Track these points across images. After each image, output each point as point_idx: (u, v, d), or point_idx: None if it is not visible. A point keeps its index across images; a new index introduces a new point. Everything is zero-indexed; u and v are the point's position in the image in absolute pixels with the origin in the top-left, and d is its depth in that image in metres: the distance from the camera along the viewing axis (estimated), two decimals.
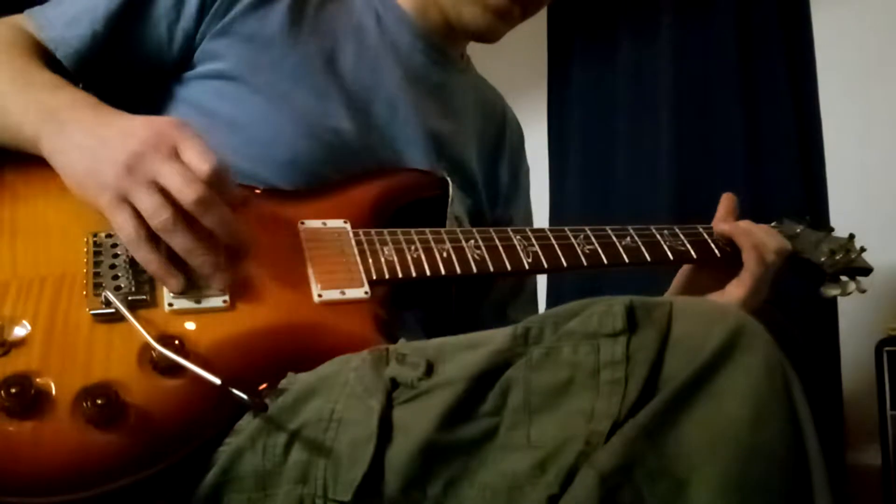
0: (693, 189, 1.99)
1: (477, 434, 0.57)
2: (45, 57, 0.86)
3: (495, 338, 0.60)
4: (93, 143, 0.71)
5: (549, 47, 2.47)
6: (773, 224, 1.04)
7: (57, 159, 0.73)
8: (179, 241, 0.68)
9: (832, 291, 1.03)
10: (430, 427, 0.57)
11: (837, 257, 1.03)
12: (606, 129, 2.29)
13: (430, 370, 0.61)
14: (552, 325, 0.59)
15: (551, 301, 2.12)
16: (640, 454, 0.52)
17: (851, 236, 1.05)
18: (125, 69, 0.90)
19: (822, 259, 1.03)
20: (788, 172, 1.89)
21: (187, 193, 0.67)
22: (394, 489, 0.56)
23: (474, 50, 1.09)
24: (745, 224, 0.97)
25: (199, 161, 0.68)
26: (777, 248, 0.95)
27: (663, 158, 2.11)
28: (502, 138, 1.12)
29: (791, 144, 1.93)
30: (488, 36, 0.98)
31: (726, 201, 1.03)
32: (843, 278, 1.05)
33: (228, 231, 0.70)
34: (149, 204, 0.67)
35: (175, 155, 0.69)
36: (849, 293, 1.04)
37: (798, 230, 1.05)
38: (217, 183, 0.68)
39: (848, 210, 1.78)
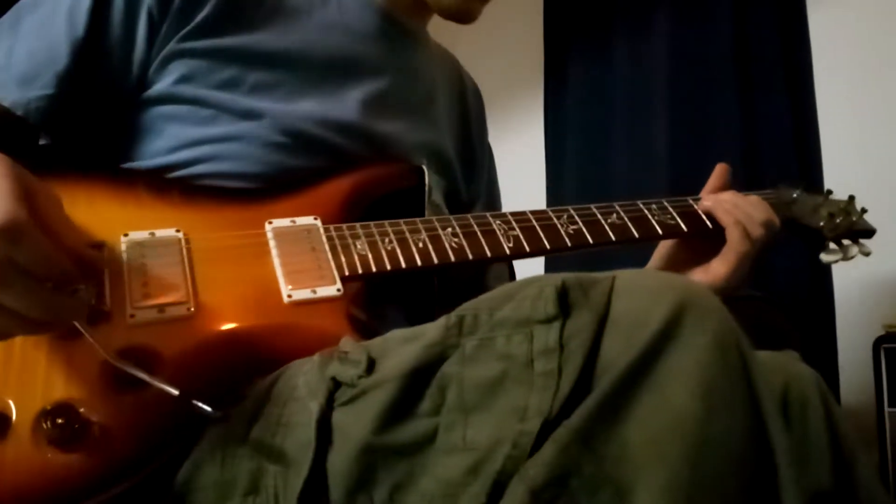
0: (689, 186, 1.96)
1: (417, 436, 0.52)
2: None
3: (429, 330, 0.55)
4: None
5: (546, 43, 2.46)
6: (767, 191, 1.00)
7: None
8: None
9: (833, 257, 0.98)
10: (368, 429, 0.52)
11: (838, 220, 0.98)
12: (603, 124, 2.27)
13: (371, 367, 0.56)
14: (487, 311, 0.54)
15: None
16: (576, 462, 0.45)
17: (851, 198, 1.01)
18: (87, 110, 0.83)
19: (822, 224, 0.98)
20: (784, 170, 1.85)
21: None
22: (339, 495, 0.52)
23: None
24: (730, 196, 0.91)
25: None
26: (764, 222, 0.88)
27: (659, 155, 2.09)
28: (466, 106, 1.08)
29: (787, 141, 1.91)
30: (467, 17, 0.94)
31: (718, 172, 0.97)
32: (846, 242, 1.00)
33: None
34: None
35: None
36: (851, 257, 0.99)
37: (795, 195, 1.01)
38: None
39: None
